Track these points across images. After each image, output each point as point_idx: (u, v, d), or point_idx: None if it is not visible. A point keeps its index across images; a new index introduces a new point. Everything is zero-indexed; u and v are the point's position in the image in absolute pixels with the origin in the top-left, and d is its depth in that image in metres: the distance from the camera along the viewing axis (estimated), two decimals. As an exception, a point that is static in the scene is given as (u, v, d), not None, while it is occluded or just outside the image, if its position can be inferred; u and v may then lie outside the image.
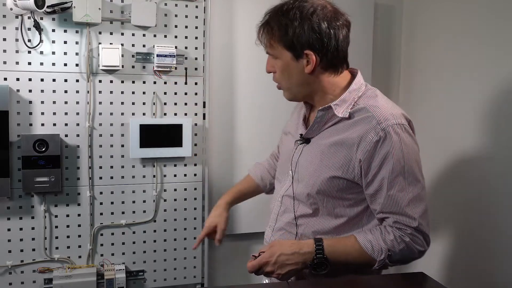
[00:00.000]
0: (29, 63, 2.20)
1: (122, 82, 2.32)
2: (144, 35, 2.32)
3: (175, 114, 2.40)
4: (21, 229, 2.27)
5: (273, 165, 1.89)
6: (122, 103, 2.33)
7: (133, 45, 2.32)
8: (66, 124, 2.26)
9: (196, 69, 2.41)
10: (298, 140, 1.55)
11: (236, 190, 1.87)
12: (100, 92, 2.29)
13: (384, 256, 1.37)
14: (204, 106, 2.44)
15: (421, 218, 1.38)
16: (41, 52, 2.22)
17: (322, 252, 1.37)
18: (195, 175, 2.46)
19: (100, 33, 2.26)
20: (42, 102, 2.23)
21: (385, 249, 1.38)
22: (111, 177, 2.34)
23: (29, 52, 2.19)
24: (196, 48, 2.40)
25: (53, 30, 2.22)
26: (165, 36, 2.36)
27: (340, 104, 1.44)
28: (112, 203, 2.37)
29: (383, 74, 2.78)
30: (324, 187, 1.45)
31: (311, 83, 1.46)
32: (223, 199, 1.81)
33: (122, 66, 2.30)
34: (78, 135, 2.28)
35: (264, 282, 1.66)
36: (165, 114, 2.39)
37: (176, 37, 2.37)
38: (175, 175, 2.43)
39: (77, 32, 2.24)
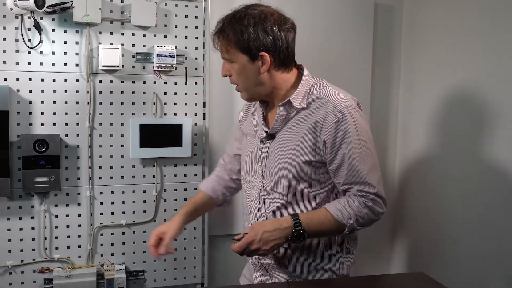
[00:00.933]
0: (29, 63, 2.21)
1: (122, 82, 2.32)
2: (144, 35, 2.32)
3: (175, 114, 2.40)
4: (21, 229, 2.28)
5: (222, 176, 1.93)
6: (122, 103, 2.33)
7: (133, 45, 2.32)
8: (66, 124, 2.26)
9: (196, 69, 2.41)
10: (263, 138, 1.67)
11: (191, 202, 1.89)
12: (100, 92, 2.29)
13: (353, 221, 1.54)
14: (204, 106, 2.44)
15: (378, 185, 1.57)
16: (41, 52, 2.22)
17: (300, 225, 1.52)
18: (195, 175, 2.46)
19: (100, 33, 2.26)
20: (42, 102, 2.23)
21: (353, 214, 1.54)
22: (111, 177, 2.34)
23: (29, 52, 2.20)
24: (196, 48, 2.40)
25: (53, 30, 2.23)
26: (165, 36, 2.36)
27: (296, 97, 1.58)
28: (112, 203, 2.37)
29: (383, 74, 2.78)
30: (298, 173, 1.60)
31: (266, 82, 1.59)
32: (181, 209, 1.82)
33: (122, 66, 2.30)
34: (78, 135, 2.28)
35: (256, 275, 1.74)
36: (165, 114, 2.39)
37: (176, 37, 2.37)
38: (175, 175, 2.43)
39: (77, 32, 2.24)
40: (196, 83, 2.40)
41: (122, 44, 2.29)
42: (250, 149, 1.73)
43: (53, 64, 2.23)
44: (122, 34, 2.29)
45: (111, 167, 2.34)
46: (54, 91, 2.24)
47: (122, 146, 2.35)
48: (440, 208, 2.45)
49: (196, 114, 2.43)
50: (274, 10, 1.58)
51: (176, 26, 2.36)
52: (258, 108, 1.73)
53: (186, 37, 2.38)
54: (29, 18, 2.18)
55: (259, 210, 1.68)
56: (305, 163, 1.58)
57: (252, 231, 1.54)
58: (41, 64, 2.22)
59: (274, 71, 1.58)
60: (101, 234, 2.38)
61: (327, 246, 1.66)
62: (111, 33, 2.28)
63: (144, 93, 2.35)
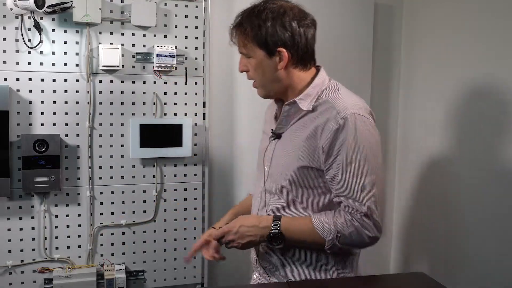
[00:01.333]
0: (29, 63, 2.21)
1: (122, 82, 2.32)
2: (144, 35, 2.32)
3: (175, 114, 2.40)
4: (21, 229, 2.27)
5: None
6: (122, 103, 2.33)
7: (133, 45, 2.31)
8: (66, 124, 2.26)
9: (196, 69, 2.40)
10: (271, 137, 1.63)
11: (239, 203, 1.91)
12: (100, 92, 2.28)
13: (332, 237, 1.46)
14: (204, 106, 2.43)
15: (371, 204, 1.44)
16: (41, 52, 2.22)
17: (278, 228, 1.49)
18: (195, 175, 2.45)
19: (100, 33, 2.25)
20: (42, 102, 2.23)
21: (334, 231, 1.46)
22: (111, 177, 2.34)
23: (29, 52, 2.19)
24: (196, 48, 2.39)
25: (53, 30, 2.22)
26: (165, 36, 2.35)
27: (304, 98, 1.53)
28: (112, 203, 2.36)
29: (383, 74, 2.78)
30: (294, 177, 1.53)
31: (283, 79, 1.54)
32: (229, 211, 1.84)
33: (122, 66, 2.29)
34: (78, 135, 2.28)
35: (254, 276, 1.73)
36: (165, 114, 2.39)
37: (176, 37, 2.37)
38: (175, 175, 2.42)
39: (77, 32, 2.24)
40: (196, 83, 2.40)
41: (122, 44, 2.29)
42: (262, 148, 1.71)
43: (53, 64, 2.23)
44: (122, 34, 2.29)
45: (111, 167, 2.34)
46: (54, 91, 2.23)
47: (122, 146, 2.35)
48: (440, 208, 2.44)
49: (196, 114, 2.42)
50: (293, 5, 1.54)
51: (176, 26, 2.36)
52: (275, 106, 1.71)
53: (186, 37, 2.38)
54: (29, 18, 2.17)
55: (259, 209, 1.66)
56: (302, 168, 1.52)
57: (233, 222, 1.55)
58: (41, 64, 2.22)
59: (291, 68, 1.54)
60: (101, 234, 2.38)
61: (322, 261, 1.59)
62: (111, 33, 2.27)
63: (144, 93, 2.35)
